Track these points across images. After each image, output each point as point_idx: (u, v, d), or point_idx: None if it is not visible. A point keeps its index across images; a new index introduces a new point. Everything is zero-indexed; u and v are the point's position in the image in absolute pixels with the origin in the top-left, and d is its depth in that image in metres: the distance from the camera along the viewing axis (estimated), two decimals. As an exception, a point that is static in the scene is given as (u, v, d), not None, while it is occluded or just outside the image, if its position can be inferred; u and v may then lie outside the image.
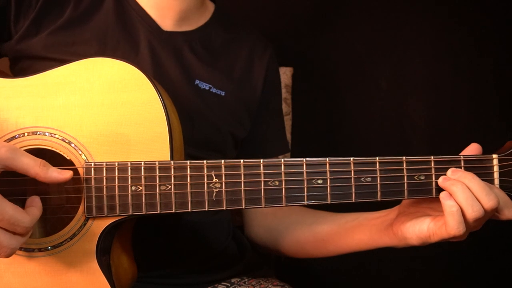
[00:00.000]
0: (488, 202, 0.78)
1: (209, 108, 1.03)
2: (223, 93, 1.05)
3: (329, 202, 0.80)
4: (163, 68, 1.00)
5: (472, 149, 0.85)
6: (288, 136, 1.45)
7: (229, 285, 1.04)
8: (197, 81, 1.03)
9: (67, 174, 0.74)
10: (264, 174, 0.80)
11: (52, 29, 0.97)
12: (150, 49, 1.00)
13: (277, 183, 0.80)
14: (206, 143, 1.03)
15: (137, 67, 0.82)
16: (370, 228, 0.94)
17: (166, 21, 1.03)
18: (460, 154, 0.84)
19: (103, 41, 0.98)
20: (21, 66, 0.98)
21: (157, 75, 0.98)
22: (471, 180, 0.79)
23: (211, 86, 1.04)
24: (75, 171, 0.79)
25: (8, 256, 0.71)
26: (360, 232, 0.95)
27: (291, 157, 1.38)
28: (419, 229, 0.84)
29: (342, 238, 0.98)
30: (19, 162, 0.71)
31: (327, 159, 0.80)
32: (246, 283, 1.05)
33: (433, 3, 1.57)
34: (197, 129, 1.00)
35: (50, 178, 0.73)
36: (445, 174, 0.81)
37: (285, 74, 1.46)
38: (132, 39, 1.00)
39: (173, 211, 0.79)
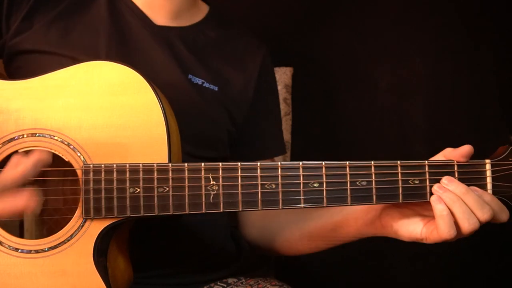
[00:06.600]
0: (483, 215, 0.79)
1: (202, 102, 1.03)
2: (216, 88, 1.05)
3: (325, 205, 0.81)
4: (154, 61, 1.01)
5: (462, 152, 0.84)
6: (288, 136, 1.46)
7: (225, 285, 1.04)
8: (190, 76, 1.03)
9: None
10: (261, 177, 0.80)
11: (44, 22, 0.97)
12: (142, 42, 1.01)
13: (274, 186, 0.80)
14: (198, 138, 1.03)
15: (136, 70, 0.83)
16: (356, 221, 0.94)
17: (158, 18, 1.04)
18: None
19: (96, 35, 0.99)
20: (16, 65, 0.98)
21: (149, 68, 0.97)
22: (465, 194, 0.80)
23: (203, 81, 1.04)
24: (74, 173, 0.80)
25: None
26: (347, 226, 0.96)
27: (291, 156, 1.38)
28: (413, 230, 0.84)
29: (330, 232, 0.99)
30: None
31: (323, 162, 0.81)
32: (244, 283, 1.05)
33: (433, 2, 1.57)
34: (188, 123, 1.00)
35: None
36: (439, 178, 0.82)
37: (285, 74, 1.46)
38: (124, 33, 1.01)
39: (171, 213, 0.80)
